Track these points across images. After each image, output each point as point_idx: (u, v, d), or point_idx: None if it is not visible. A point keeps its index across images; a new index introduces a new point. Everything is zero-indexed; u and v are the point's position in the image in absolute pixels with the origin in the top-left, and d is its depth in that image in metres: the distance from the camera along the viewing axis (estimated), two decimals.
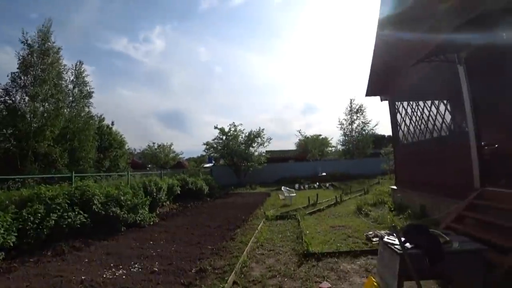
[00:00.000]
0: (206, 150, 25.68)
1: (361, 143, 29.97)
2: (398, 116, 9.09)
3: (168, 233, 7.54)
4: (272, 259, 5.04)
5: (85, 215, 6.94)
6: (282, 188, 13.41)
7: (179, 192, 13.28)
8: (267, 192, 18.44)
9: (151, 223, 8.89)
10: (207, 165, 37.57)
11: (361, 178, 24.07)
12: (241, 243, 6.03)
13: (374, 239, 5.66)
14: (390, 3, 8.07)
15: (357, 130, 30.48)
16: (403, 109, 8.76)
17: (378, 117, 71.29)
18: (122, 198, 8.16)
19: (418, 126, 7.89)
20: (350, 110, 30.55)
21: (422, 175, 7.68)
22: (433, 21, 6.81)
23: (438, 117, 7.04)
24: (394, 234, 2.93)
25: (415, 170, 8.14)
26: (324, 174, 24.36)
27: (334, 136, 58.11)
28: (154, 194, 10.50)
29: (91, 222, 7.10)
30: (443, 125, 6.91)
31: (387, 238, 3.00)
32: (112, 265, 5.02)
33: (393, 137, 9.52)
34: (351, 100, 32.00)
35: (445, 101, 6.88)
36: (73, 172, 8.76)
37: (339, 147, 33.48)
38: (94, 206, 7.26)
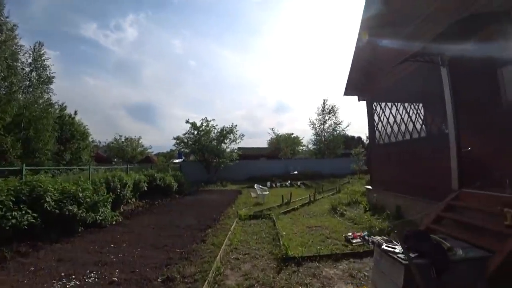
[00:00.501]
0: (176, 145, 24.51)
1: (332, 143, 30.55)
2: (376, 117, 9.06)
3: (132, 234, 6.76)
4: (249, 264, 4.56)
5: (34, 214, 5.92)
6: (255, 186, 13.01)
7: (146, 188, 12.33)
8: (238, 189, 17.95)
9: (114, 222, 8.01)
10: (177, 160, 36.17)
11: (331, 177, 24.50)
12: (213, 246, 5.48)
13: (354, 241, 5.44)
14: (375, 4, 7.97)
15: (328, 130, 31.03)
16: (381, 110, 8.74)
17: (350, 118, 74.06)
18: (80, 195, 7.20)
19: (396, 127, 7.87)
20: (323, 110, 31.01)
21: (398, 176, 7.67)
22: (418, 22, 6.77)
23: (418, 118, 7.02)
24: (393, 241, 2.60)
25: (391, 170, 8.14)
26: (296, 172, 24.42)
27: (305, 135, 59.23)
28: (118, 190, 9.54)
29: (42, 222, 6.11)
30: (422, 126, 6.90)
31: (386, 246, 2.66)
32: (63, 274, 4.24)
33: (369, 138, 9.51)
34: (324, 100, 32.58)
35: (425, 103, 6.86)
36: (24, 165, 7.57)
37: (311, 146, 33.89)
38: (46, 204, 6.24)
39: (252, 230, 6.96)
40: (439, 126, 6.23)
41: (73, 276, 4.17)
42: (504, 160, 5.79)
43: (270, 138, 38.14)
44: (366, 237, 5.52)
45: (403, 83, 7.46)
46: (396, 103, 7.95)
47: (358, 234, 5.73)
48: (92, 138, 25.66)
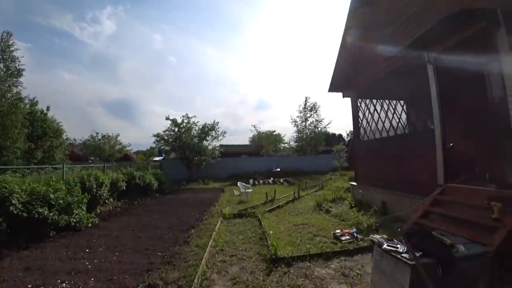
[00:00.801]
0: (156, 142, 23.61)
1: (314, 141, 30.85)
2: (360, 113, 9.07)
3: (110, 237, 6.28)
4: (236, 267, 4.30)
5: None
6: (238, 183, 12.72)
7: (124, 187, 11.69)
8: (221, 187, 17.59)
9: (90, 225, 7.43)
10: (157, 158, 35.06)
11: (313, 174, 24.69)
12: (198, 248, 5.17)
13: (342, 238, 5.33)
14: (361, 1, 7.92)
15: (310, 127, 31.28)
16: (366, 107, 8.76)
17: (331, 116, 75.14)
18: (52, 196, 6.60)
19: (381, 124, 7.89)
20: (305, 108, 31.19)
21: (383, 172, 7.71)
22: (405, 19, 6.76)
23: (403, 114, 7.06)
24: (394, 240, 2.44)
25: (376, 166, 8.17)
26: (278, 169, 24.38)
27: (286, 133, 59.57)
28: (94, 190, 8.91)
29: (7, 226, 5.53)
30: (408, 123, 6.93)
31: (388, 245, 2.50)
32: (30, 286, 3.77)
33: (354, 134, 9.50)
34: (306, 98, 32.76)
35: (411, 100, 6.89)
36: None
37: (292, 143, 34.03)
38: (12, 207, 5.63)
39: (238, 229, 6.70)
40: (425, 122, 6.27)
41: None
42: (483, 155, 5.92)
43: (252, 136, 37.98)
44: (355, 234, 5.43)
45: (388, 80, 7.46)
46: (381, 100, 7.98)
47: (347, 231, 5.63)
48: (66, 135, 24.28)
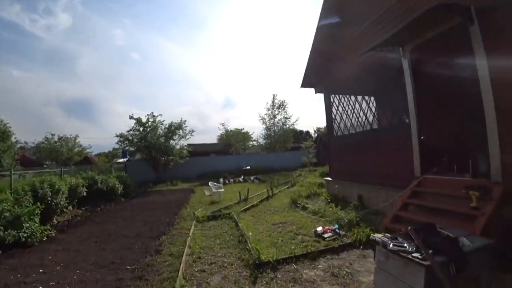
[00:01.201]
0: (119, 143, 21.84)
1: (282, 138, 31.05)
2: (334, 109, 9.06)
3: (69, 251, 5.45)
4: (217, 276, 3.88)
5: None
6: (210, 183, 12.17)
7: (85, 193, 10.53)
8: (191, 188, 16.84)
9: (45, 238, 6.45)
10: (121, 160, 32.82)
11: (283, 171, 24.83)
12: (172, 257, 4.65)
13: (325, 236, 5.16)
14: None
15: (278, 124, 31.43)
16: (340, 102, 8.77)
17: (298, 113, 76.34)
18: None
19: (356, 119, 7.92)
20: (273, 105, 31.26)
21: (359, 166, 7.74)
22: (380, 14, 6.76)
23: (378, 109, 7.10)
24: (400, 239, 2.23)
25: (351, 161, 8.19)
26: (248, 167, 24.09)
27: (254, 131, 59.59)
28: (49, 199, 7.81)
29: None
30: (383, 117, 6.98)
31: (395, 245, 2.28)
32: None
33: (327, 129, 9.46)
34: (273, 95, 32.86)
35: (386, 94, 6.95)
36: None
37: (261, 140, 33.98)
38: None
39: (214, 233, 6.25)
40: (400, 116, 6.34)
41: None
42: (454, 147, 6.15)
43: (220, 134, 37.27)
44: (337, 230, 5.30)
45: (362, 75, 7.49)
46: (355, 96, 8.00)
47: (328, 227, 5.48)
48: (16, 138, 21.73)
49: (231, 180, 19.23)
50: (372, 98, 7.28)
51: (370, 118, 7.31)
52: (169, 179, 20.61)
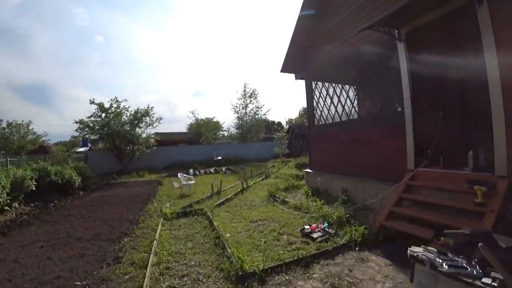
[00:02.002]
0: (79, 130, 19.51)
1: (254, 128, 30.39)
2: (316, 96, 8.48)
3: (4, 262, 4.25)
4: None
5: None
6: (179, 175, 11.15)
7: (34, 187, 8.98)
8: (158, 179, 15.58)
9: None
10: (82, 149, 29.82)
11: (255, 161, 24.30)
12: (134, 267, 3.74)
13: (314, 235, 4.56)
14: None
15: (250, 114, 30.66)
16: (323, 89, 8.19)
17: (270, 104, 75.67)
18: None
19: (341, 107, 7.40)
20: (244, 94, 30.34)
21: (343, 157, 7.28)
22: None
23: (366, 97, 6.62)
24: (451, 256, 1.61)
25: (334, 152, 7.72)
26: (219, 158, 23.17)
27: (224, 121, 58.21)
28: None
29: None
30: (372, 105, 6.51)
31: (450, 264, 1.65)
32: None
33: (308, 118, 8.88)
34: (245, 84, 31.96)
35: (376, 81, 6.46)
36: None
37: (233, 130, 33.01)
38: None
39: (184, 233, 5.38)
40: (392, 104, 5.88)
41: None
42: (448, 139, 5.82)
43: (189, 123, 35.62)
44: (327, 229, 4.73)
45: (350, 61, 6.94)
46: (340, 83, 7.44)
47: (316, 226, 4.89)
48: None
49: (202, 171, 18.21)
50: (360, 86, 6.78)
51: (357, 107, 6.81)
52: (135, 170, 19.05)
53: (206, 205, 7.45)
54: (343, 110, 7.30)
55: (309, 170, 8.84)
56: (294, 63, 8.92)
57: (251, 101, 30.43)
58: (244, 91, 30.30)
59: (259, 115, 30.94)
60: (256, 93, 30.44)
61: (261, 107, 30.72)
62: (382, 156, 6.02)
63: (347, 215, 5.21)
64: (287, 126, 36.31)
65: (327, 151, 8.12)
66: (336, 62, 7.37)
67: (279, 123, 42.02)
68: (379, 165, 6.08)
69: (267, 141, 31.56)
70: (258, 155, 26.36)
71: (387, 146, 5.87)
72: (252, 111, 30.67)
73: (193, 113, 35.87)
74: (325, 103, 8.03)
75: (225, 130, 34.95)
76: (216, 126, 33.98)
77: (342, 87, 7.33)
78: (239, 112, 30.71)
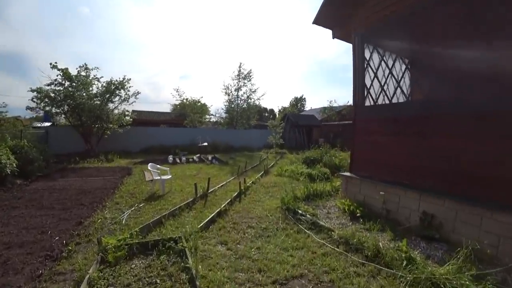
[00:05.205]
0: (36, 101, 15.41)
1: (246, 113, 27.21)
2: (371, 63, 5.45)
3: None
4: None
5: None
6: (149, 166, 8.00)
7: None
8: (129, 166, 12.27)
9: None
10: (44, 124, 25.37)
11: (245, 150, 21.41)
12: None
13: None
14: None
15: (243, 97, 27.35)
16: (381, 55, 5.16)
17: (263, 89, 72.09)
18: None
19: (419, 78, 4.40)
20: (238, 75, 26.85)
21: (422, 159, 4.38)
22: None
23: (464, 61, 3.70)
24: None
25: (407, 150, 4.68)
26: (205, 144, 19.97)
27: (212, 105, 54.52)
28: None
29: None
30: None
31: None
32: None
33: (355, 97, 5.61)
34: (240, 63, 28.50)
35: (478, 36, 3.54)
36: None
37: (222, 113, 29.64)
38: None
39: None
40: None
41: None
42: None
43: (174, 104, 31.89)
44: None
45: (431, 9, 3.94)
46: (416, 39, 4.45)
47: None
48: None
49: (183, 158, 14.99)
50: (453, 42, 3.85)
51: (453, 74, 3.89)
52: (104, 152, 15.53)
53: (185, 225, 4.48)
54: (421, 82, 4.34)
55: (349, 174, 5.76)
56: (334, 12, 5.80)
57: (245, 83, 27.04)
58: (239, 71, 26.81)
59: (252, 100, 27.67)
60: (251, 75, 27.05)
61: (255, 91, 27.45)
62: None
63: None
64: (281, 115, 33.33)
65: (390, 148, 5.08)
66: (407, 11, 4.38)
67: (272, 111, 38.95)
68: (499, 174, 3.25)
69: (258, 129, 28.58)
70: (249, 143, 23.41)
71: None
72: (245, 94, 27.35)
73: (177, 91, 32.10)
74: (384, 74, 5.01)
75: (212, 114, 31.62)
76: (203, 108, 30.52)
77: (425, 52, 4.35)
78: (231, 94, 27.29)
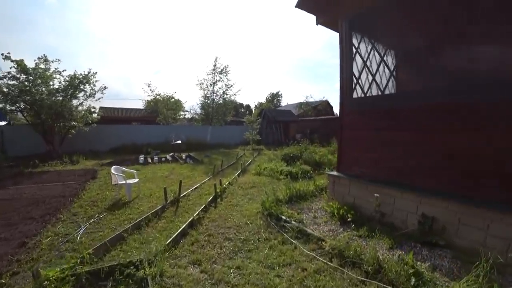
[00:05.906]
0: None
1: (222, 109, 26.32)
2: (359, 52, 4.98)
3: None
4: None
5: None
6: (112, 169, 7.07)
7: None
8: (95, 168, 11.13)
9: None
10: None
11: (221, 147, 20.72)
12: None
13: None
14: None
15: (218, 93, 26.38)
16: (370, 42, 4.72)
17: (239, 85, 71.01)
18: None
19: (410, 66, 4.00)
20: (214, 70, 25.81)
21: (418, 155, 3.98)
22: None
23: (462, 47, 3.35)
24: None
25: (402, 146, 4.22)
26: (179, 142, 18.95)
27: (186, 100, 52.79)
28: None
29: None
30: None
31: None
32: None
33: (343, 87, 5.11)
34: (216, 58, 27.45)
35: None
36: None
37: (197, 108, 28.50)
38: None
39: None
40: None
41: None
42: None
43: (146, 100, 30.20)
44: None
45: None
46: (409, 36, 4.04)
47: None
48: None
49: (156, 158, 13.99)
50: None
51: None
52: (68, 153, 14.08)
53: (151, 241, 3.79)
54: (416, 72, 3.95)
55: (337, 174, 5.22)
56: None
57: (221, 77, 26.07)
58: (215, 65, 25.76)
59: (228, 95, 26.79)
60: (227, 70, 26.11)
61: (231, 86, 26.58)
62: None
63: None
64: (258, 110, 32.79)
65: (383, 144, 4.62)
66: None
67: (248, 106, 38.27)
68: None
69: (235, 125, 27.87)
70: (225, 140, 22.70)
71: None
72: (220, 90, 26.39)
73: (149, 86, 30.42)
74: (377, 62, 4.59)
75: (187, 111, 30.41)
76: (177, 105, 29.20)
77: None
78: (206, 89, 26.21)
